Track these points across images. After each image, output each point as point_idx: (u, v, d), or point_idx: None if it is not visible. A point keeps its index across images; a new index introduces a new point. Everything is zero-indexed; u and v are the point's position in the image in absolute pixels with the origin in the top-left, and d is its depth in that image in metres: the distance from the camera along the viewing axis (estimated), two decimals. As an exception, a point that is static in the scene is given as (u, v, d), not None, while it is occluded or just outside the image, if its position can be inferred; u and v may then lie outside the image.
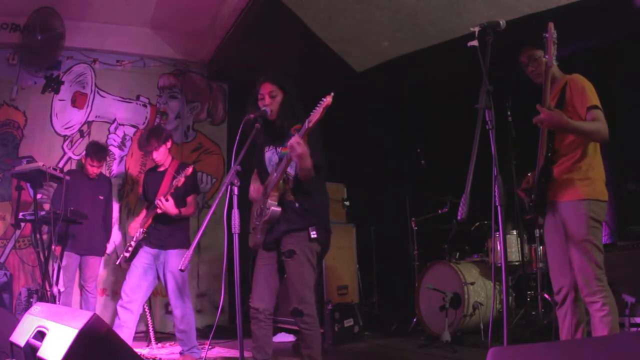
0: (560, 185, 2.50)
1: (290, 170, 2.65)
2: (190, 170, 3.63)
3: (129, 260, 3.84)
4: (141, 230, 3.79)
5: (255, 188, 2.84)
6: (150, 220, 3.79)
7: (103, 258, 4.74)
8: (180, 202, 3.77)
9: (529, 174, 2.67)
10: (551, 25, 2.34)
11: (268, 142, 2.79)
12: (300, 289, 2.61)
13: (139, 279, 3.75)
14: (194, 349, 3.82)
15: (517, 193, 2.72)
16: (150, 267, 3.80)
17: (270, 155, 2.78)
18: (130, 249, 3.85)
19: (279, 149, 2.73)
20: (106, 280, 5.34)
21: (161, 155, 3.91)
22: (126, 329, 3.68)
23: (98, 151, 4.57)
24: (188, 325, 3.78)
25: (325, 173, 2.70)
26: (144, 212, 4.04)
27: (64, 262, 4.28)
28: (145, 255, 3.81)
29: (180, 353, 3.88)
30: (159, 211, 3.70)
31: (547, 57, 2.35)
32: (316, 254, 2.67)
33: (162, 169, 3.97)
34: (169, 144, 3.95)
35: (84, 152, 4.72)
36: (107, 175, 5.30)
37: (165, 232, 3.76)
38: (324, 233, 2.69)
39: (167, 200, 3.63)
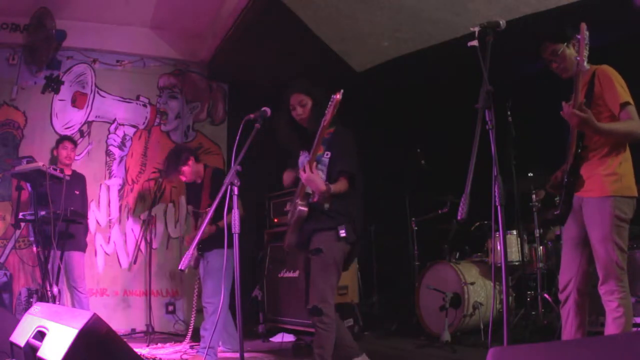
0: (586, 181, 2.44)
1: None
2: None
3: (195, 268, 4.03)
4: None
5: (287, 175, 2.96)
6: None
7: (85, 254, 4.69)
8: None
9: (557, 172, 2.61)
10: (584, 26, 2.29)
11: (302, 147, 2.89)
12: (322, 287, 2.64)
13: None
14: (204, 350, 3.79)
15: (546, 190, 2.66)
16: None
17: (303, 159, 2.87)
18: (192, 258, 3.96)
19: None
20: (106, 279, 5.35)
21: (187, 175, 3.99)
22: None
23: (67, 135, 4.86)
24: (212, 324, 3.80)
25: (357, 180, 2.81)
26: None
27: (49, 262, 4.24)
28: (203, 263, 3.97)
29: (197, 351, 3.94)
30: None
31: (578, 58, 2.30)
32: (344, 255, 2.72)
33: (198, 181, 4.03)
34: (190, 163, 3.96)
35: (54, 147, 4.89)
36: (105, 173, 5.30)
37: (208, 237, 3.75)
38: (353, 235, 2.74)
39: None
